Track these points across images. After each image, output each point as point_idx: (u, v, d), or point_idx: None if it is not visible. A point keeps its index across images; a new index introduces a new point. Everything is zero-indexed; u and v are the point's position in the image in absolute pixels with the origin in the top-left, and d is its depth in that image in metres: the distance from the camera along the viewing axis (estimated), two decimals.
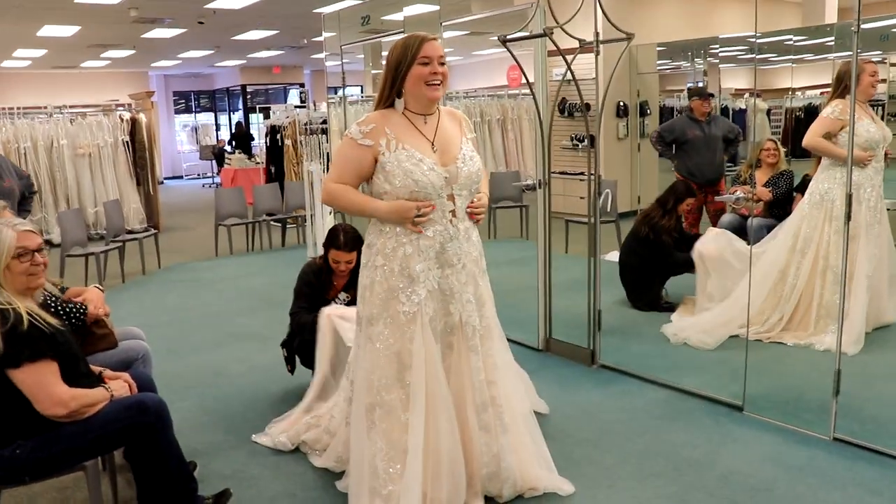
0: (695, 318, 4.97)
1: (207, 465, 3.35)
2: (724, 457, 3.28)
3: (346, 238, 3.74)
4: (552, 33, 4.14)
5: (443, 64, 2.64)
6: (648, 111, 8.99)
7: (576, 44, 4.29)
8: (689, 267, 5.24)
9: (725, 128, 6.48)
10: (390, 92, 2.72)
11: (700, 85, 8.40)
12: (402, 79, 2.65)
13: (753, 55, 7.67)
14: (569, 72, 4.30)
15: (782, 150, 5.79)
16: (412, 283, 2.68)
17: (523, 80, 4.52)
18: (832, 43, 6.51)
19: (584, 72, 4.48)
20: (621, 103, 8.95)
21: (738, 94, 8.49)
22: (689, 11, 9.56)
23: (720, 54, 8.19)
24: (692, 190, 5.63)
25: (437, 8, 5.16)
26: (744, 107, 8.47)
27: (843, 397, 3.49)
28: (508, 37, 4.25)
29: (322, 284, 3.87)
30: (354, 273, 3.67)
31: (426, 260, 2.68)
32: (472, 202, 2.79)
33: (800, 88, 8.02)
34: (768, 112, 8.22)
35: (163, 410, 2.73)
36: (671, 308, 5.40)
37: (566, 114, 8.11)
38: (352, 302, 3.75)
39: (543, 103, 4.59)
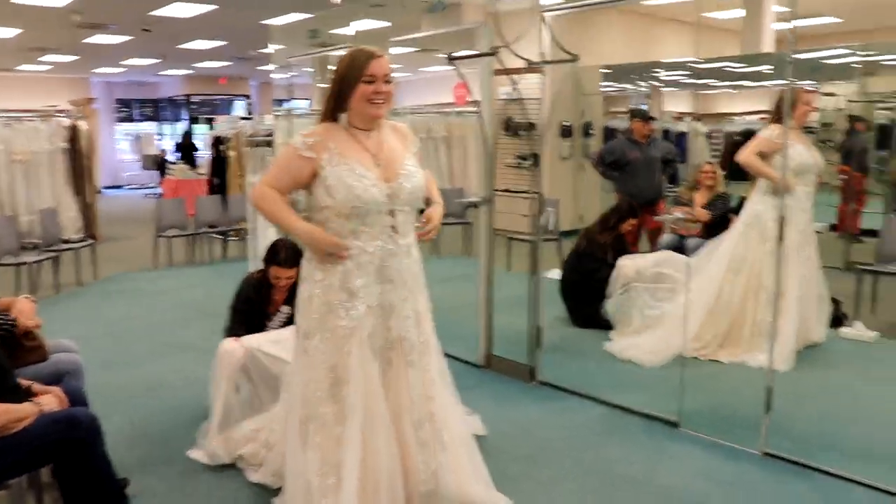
0: (641, 338, 5.04)
1: (140, 482, 3.25)
2: (660, 473, 3.34)
3: (286, 254, 3.69)
4: (498, 52, 4.20)
5: (388, 82, 2.64)
6: (592, 132, 9.16)
7: (522, 63, 4.35)
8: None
9: (664, 149, 6.64)
10: (335, 106, 2.71)
11: (642, 107, 8.61)
12: (348, 95, 2.65)
13: (694, 80, 7.94)
14: (516, 90, 4.36)
15: (720, 172, 5.96)
16: (351, 297, 2.67)
17: (469, 98, 4.57)
18: (770, 71, 6.74)
19: (530, 91, 4.54)
20: (566, 123, 9.10)
21: (680, 117, 8.72)
22: (633, 36, 9.81)
23: (662, 78, 8.41)
24: (635, 210, 5.75)
25: (388, 24, 5.19)
26: (684, 130, 8.70)
27: (774, 414, 3.60)
28: (456, 55, 4.30)
29: (262, 299, 3.82)
30: (295, 287, 3.65)
31: (366, 275, 2.67)
32: (422, 221, 2.79)
33: (738, 114, 8.28)
34: (708, 135, 8.46)
35: (94, 425, 2.67)
36: (609, 325, 5.48)
37: (511, 132, 8.23)
38: (291, 318, 3.72)
39: (489, 121, 4.64)
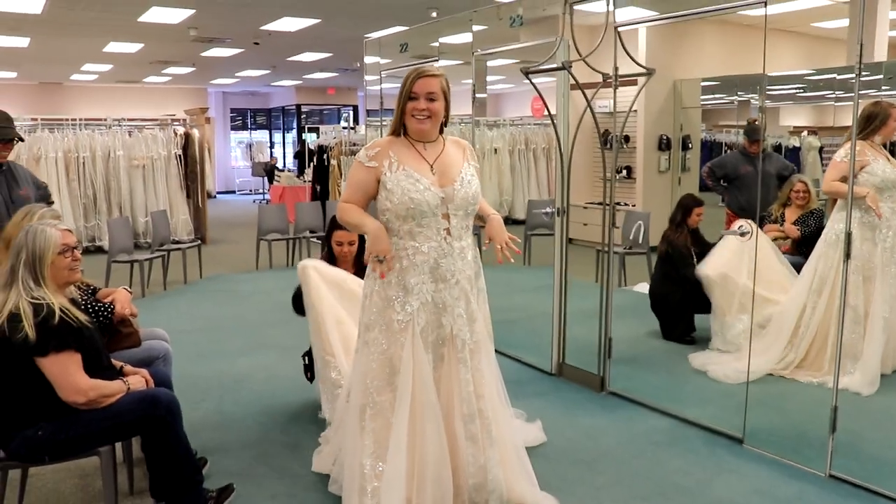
0: (724, 355, 4.98)
1: (218, 462, 3.54)
2: (715, 486, 3.34)
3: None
4: (571, 66, 4.29)
5: (433, 100, 2.84)
6: (690, 145, 9.02)
7: (598, 77, 4.42)
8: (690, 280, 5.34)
9: (779, 165, 6.51)
10: (398, 121, 2.94)
11: (756, 122, 8.42)
12: (400, 111, 2.89)
13: (807, 93, 7.69)
14: (608, 104, 4.43)
15: (813, 190, 5.80)
16: (406, 294, 2.86)
17: (545, 112, 4.67)
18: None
19: (625, 105, 4.59)
20: (664, 137, 9.01)
21: (797, 131, 8.47)
22: (734, 48, 9.61)
23: (774, 92, 8.18)
24: (698, 199, 5.73)
25: (469, 38, 5.36)
26: (797, 144, 8.44)
27: (848, 436, 3.53)
28: (531, 69, 4.41)
29: None
30: (358, 259, 3.92)
31: (420, 274, 2.86)
32: (486, 244, 2.96)
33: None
34: (820, 150, 8.19)
35: (173, 405, 2.93)
36: (691, 340, 5.44)
37: (608, 146, 8.25)
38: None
39: (564, 134, 4.72)
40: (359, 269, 4.01)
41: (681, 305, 5.52)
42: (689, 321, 5.56)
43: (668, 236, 5.62)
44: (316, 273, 3.80)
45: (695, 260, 5.50)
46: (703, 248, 5.59)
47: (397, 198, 2.82)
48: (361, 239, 3.93)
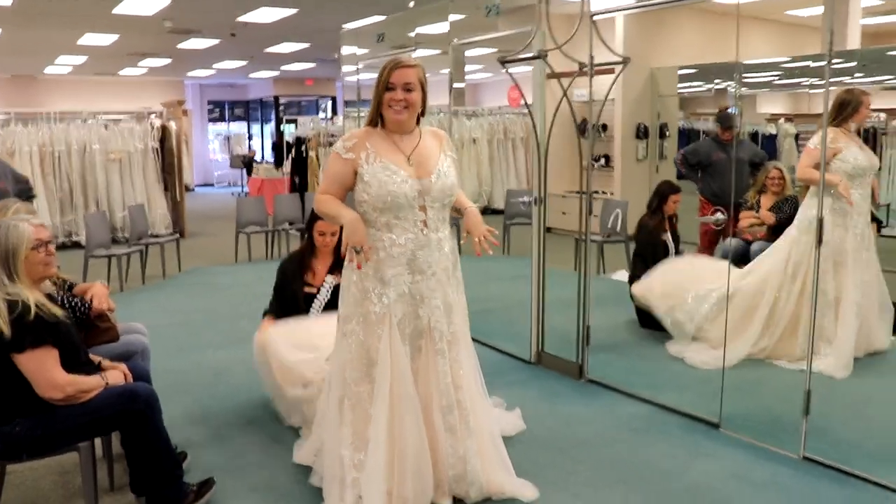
0: (699, 342, 5.02)
1: (198, 456, 3.53)
2: (693, 470, 3.39)
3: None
4: (547, 56, 4.30)
5: (410, 90, 2.85)
6: (667, 133, 9.08)
7: (575, 66, 4.44)
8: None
9: (751, 152, 6.57)
10: (374, 112, 2.94)
11: (730, 110, 8.47)
12: (378, 101, 2.89)
13: (783, 81, 7.75)
14: (585, 93, 4.46)
15: (788, 176, 5.86)
16: (384, 285, 2.88)
17: (521, 102, 4.68)
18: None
19: (603, 93, 4.60)
20: (641, 125, 9.05)
21: (774, 118, 8.53)
22: (712, 36, 9.65)
23: (750, 80, 8.22)
24: (675, 186, 5.78)
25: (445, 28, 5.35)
26: (774, 132, 8.51)
27: (821, 419, 3.59)
28: (507, 58, 4.42)
29: (302, 269, 4.06)
30: (337, 252, 3.92)
31: (397, 266, 2.88)
32: (464, 237, 2.98)
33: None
34: (797, 137, 8.26)
35: (152, 400, 2.93)
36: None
37: (585, 135, 8.28)
38: (337, 287, 3.91)
39: (541, 123, 4.74)
40: (337, 261, 4.02)
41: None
42: None
43: (643, 222, 5.67)
44: (273, 348, 3.83)
45: (670, 248, 5.56)
46: (674, 236, 5.66)
47: (374, 190, 2.83)
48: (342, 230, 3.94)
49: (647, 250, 5.58)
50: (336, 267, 3.98)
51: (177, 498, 2.98)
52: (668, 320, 5.07)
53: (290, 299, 4.04)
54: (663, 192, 5.68)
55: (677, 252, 5.70)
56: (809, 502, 3.11)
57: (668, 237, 5.63)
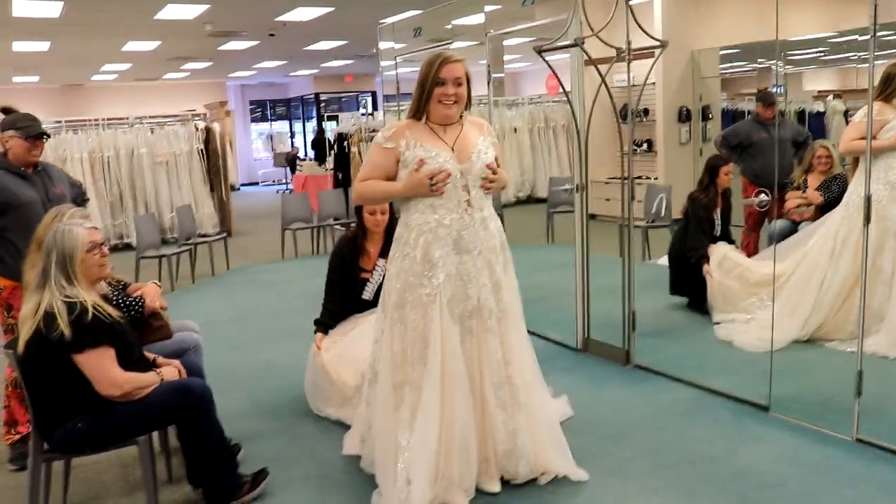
0: (749, 325, 4.96)
1: (252, 449, 3.62)
2: (741, 454, 3.36)
3: None
4: (584, 43, 4.28)
5: (459, 85, 2.91)
6: (710, 115, 8.94)
7: (612, 52, 4.41)
8: (695, 255, 5.37)
9: (794, 131, 6.45)
10: (418, 106, 2.99)
11: (770, 89, 8.32)
12: (425, 96, 2.93)
13: (830, 56, 7.56)
14: (625, 78, 4.43)
15: (835, 155, 5.74)
16: (432, 267, 2.93)
17: (560, 90, 4.67)
18: None
19: (642, 77, 4.57)
20: (684, 108, 8.93)
21: (821, 95, 8.35)
22: (754, 14, 9.46)
23: (795, 57, 8.05)
24: (724, 158, 5.68)
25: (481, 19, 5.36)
26: (822, 109, 8.33)
27: (874, 400, 3.53)
28: (544, 47, 4.41)
29: (355, 254, 4.06)
30: (388, 234, 3.87)
31: (444, 247, 2.93)
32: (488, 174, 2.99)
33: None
34: (845, 113, 8.07)
35: (206, 394, 3.02)
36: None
37: (626, 120, 8.20)
38: None
39: (580, 111, 4.73)
40: (388, 242, 4.05)
41: (696, 268, 5.48)
42: (701, 279, 5.48)
43: (693, 196, 5.58)
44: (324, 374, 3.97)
45: (717, 224, 5.47)
46: (724, 214, 5.56)
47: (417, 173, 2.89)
48: (392, 212, 3.97)
49: (698, 226, 5.47)
50: (387, 249, 4.00)
51: (232, 488, 3.07)
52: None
53: (344, 286, 4.07)
54: (714, 166, 5.55)
55: (724, 233, 5.60)
56: (863, 484, 3.06)
57: (717, 215, 5.53)
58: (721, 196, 5.57)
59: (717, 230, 5.56)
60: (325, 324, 4.08)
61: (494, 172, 2.99)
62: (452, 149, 2.96)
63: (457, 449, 2.88)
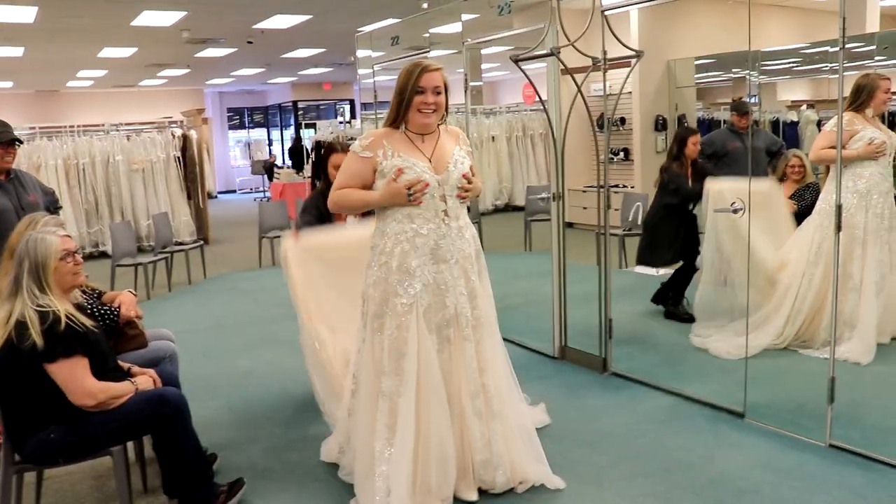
0: (724, 332, 4.99)
1: (228, 458, 3.60)
2: (717, 460, 3.39)
3: (341, 145, 4.16)
4: (560, 52, 4.32)
5: (438, 93, 2.93)
6: (686, 124, 9.02)
7: (588, 61, 4.44)
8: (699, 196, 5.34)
9: (768, 140, 6.53)
10: (397, 114, 3.00)
11: (744, 99, 8.41)
12: (403, 104, 2.94)
13: (803, 67, 7.67)
14: (605, 87, 4.50)
15: (808, 164, 5.82)
16: (409, 276, 2.94)
17: (536, 98, 4.70)
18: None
19: (618, 87, 4.62)
20: (660, 117, 9.02)
21: (795, 105, 8.46)
22: (728, 24, 9.58)
23: (769, 67, 8.15)
24: (691, 129, 5.85)
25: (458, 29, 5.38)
26: (795, 119, 8.44)
27: (847, 406, 3.59)
28: (520, 56, 4.44)
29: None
30: None
31: (421, 256, 2.94)
32: (463, 183, 3.01)
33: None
34: (818, 123, 8.18)
35: (182, 404, 2.99)
36: (690, 318, 5.47)
37: (602, 129, 8.26)
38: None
39: (557, 120, 4.76)
40: None
41: (666, 227, 5.54)
42: (675, 247, 5.53)
43: (665, 166, 5.69)
44: (299, 257, 3.80)
45: (688, 189, 5.56)
46: (703, 179, 5.65)
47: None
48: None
49: (667, 192, 5.55)
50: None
51: (207, 498, 3.04)
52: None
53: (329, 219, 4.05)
54: (682, 136, 5.71)
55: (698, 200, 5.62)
56: (836, 489, 3.10)
57: (689, 181, 5.62)
58: (691, 166, 5.69)
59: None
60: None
61: (469, 182, 3.01)
62: (430, 159, 2.97)
63: (434, 459, 2.88)
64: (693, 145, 5.66)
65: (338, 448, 3.37)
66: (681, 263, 5.63)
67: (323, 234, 3.89)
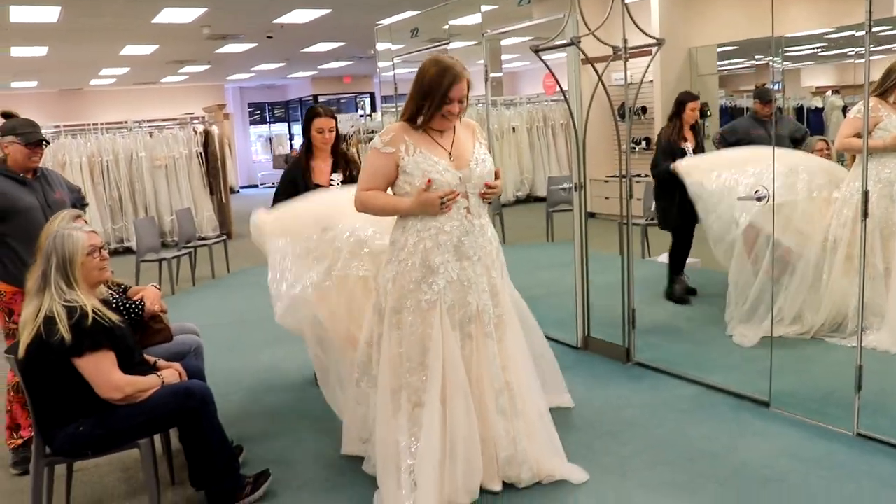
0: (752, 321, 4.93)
1: (253, 450, 3.64)
2: (741, 449, 3.37)
3: (324, 108, 4.16)
4: (580, 41, 4.29)
5: (462, 101, 2.93)
6: (708, 112, 8.93)
7: (609, 51, 4.41)
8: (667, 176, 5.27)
9: (791, 127, 6.46)
10: (418, 113, 2.96)
11: (767, 86, 8.32)
12: (429, 107, 2.90)
13: (828, 52, 7.56)
14: (626, 77, 4.49)
15: (833, 148, 5.75)
16: (432, 273, 2.93)
17: (557, 89, 4.67)
18: None
19: (640, 76, 4.59)
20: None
21: (820, 91, 8.35)
22: (750, 10, 9.46)
23: (793, 53, 8.05)
24: (692, 94, 5.83)
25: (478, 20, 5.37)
26: (820, 105, 8.34)
27: (875, 395, 3.54)
28: (541, 46, 4.42)
29: (305, 172, 4.11)
30: (335, 152, 4.12)
31: (445, 253, 2.94)
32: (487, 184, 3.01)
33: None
34: (844, 109, 8.07)
35: (207, 396, 3.03)
36: (684, 299, 5.56)
37: (623, 118, 8.21)
38: (347, 182, 4.02)
39: (578, 110, 4.73)
40: (336, 158, 4.16)
41: (670, 186, 5.41)
42: (679, 205, 5.33)
43: (661, 132, 5.76)
44: (278, 228, 3.63)
45: (689, 154, 5.54)
46: (699, 147, 5.67)
47: (418, 181, 2.90)
48: (338, 130, 4.15)
49: (667, 158, 5.47)
50: (336, 165, 4.13)
51: (234, 490, 3.08)
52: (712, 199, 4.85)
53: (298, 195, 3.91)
54: (681, 101, 5.71)
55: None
56: (865, 478, 3.07)
57: (689, 146, 5.60)
58: (692, 130, 5.70)
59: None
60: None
61: (492, 187, 3.01)
62: (450, 154, 2.96)
63: (459, 455, 2.89)
64: (691, 111, 5.69)
65: (358, 438, 3.38)
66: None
67: (300, 206, 3.69)
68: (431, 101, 2.90)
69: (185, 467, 3.10)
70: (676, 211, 5.39)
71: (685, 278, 5.71)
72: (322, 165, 4.16)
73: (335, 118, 4.20)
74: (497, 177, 3.05)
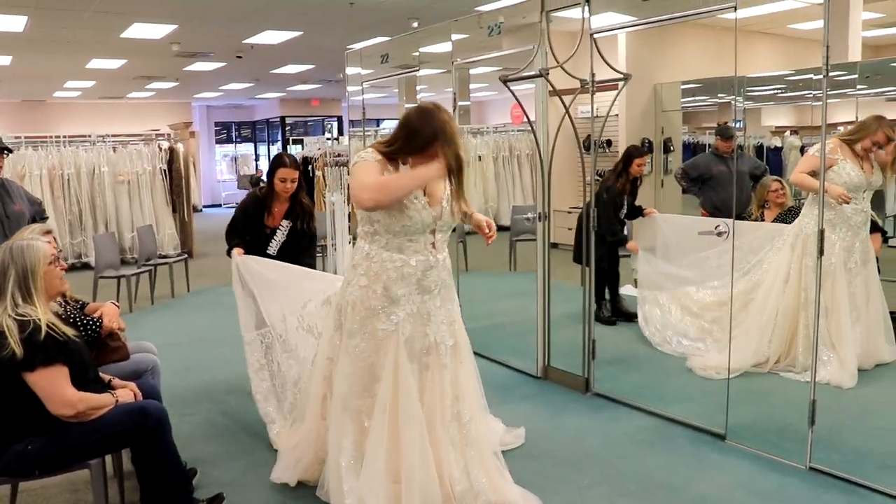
0: (711, 354, 5.02)
1: (208, 473, 3.57)
2: (698, 482, 3.40)
3: (290, 160, 4.37)
4: (548, 73, 4.36)
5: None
6: (672, 148, 9.11)
7: (577, 83, 4.49)
8: (614, 239, 5.78)
9: (752, 164, 6.62)
10: (404, 154, 2.92)
11: (729, 123, 8.51)
12: (424, 153, 2.85)
13: (787, 93, 7.78)
14: (593, 109, 4.58)
15: (788, 189, 5.90)
16: (392, 304, 2.92)
17: (524, 119, 4.74)
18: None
19: (605, 109, 4.69)
20: (646, 140, 9.09)
21: (779, 131, 8.57)
22: (714, 50, 9.70)
23: (754, 93, 8.26)
24: (640, 150, 6.01)
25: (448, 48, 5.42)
26: (779, 144, 8.54)
27: (828, 429, 3.61)
28: (509, 77, 4.48)
29: (261, 211, 4.38)
30: (293, 199, 4.37)
31: (408, 286, 2.94)
32: (486, 231, 3.12)
33: (839, 123, 8.02)
34: (801, 149, 8.27)
35: (163, 417, 2.96)
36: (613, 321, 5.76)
37: (589, 150, 8.33)
38: (293, 230, 4.36)
39: (544, 141, 4.79)
40: (292, 206, 4.41)
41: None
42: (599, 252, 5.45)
43: (608, 182, 5.85)
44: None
45: (624, 209, 5.85)
46: (631, 202, 5.89)
47: (395, 215, 2.86)
48: (300, 181, 4.40)
49: (608, 209, 5.69)
50: (291, 212, 4.39)
51: None
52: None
53: (251, 234, 4.36)
54: (629, 154, 5.89)
55: (630, 213, 5.97)
56: None
57: (625, 199, 5.85)
58: (630, 183, 5.88)
59: (624, 212, 5.92)
60: (237, 243, 4.31)
61: (490, 227, 3.13)
62: (425, 192, 2.92)
63: (416, 491, 2.86)
64: (638, 166, 5.87)
65: (290, 465, 3.37)
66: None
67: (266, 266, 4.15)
68: (424, 149, 2.84)
69: (137, 489, 3.02)
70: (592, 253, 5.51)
71: (622, 300, 6.09)
72: (278, 210, 4.42)
73: (300, 169, 4.45)
74: (491, 225, 3.15)
